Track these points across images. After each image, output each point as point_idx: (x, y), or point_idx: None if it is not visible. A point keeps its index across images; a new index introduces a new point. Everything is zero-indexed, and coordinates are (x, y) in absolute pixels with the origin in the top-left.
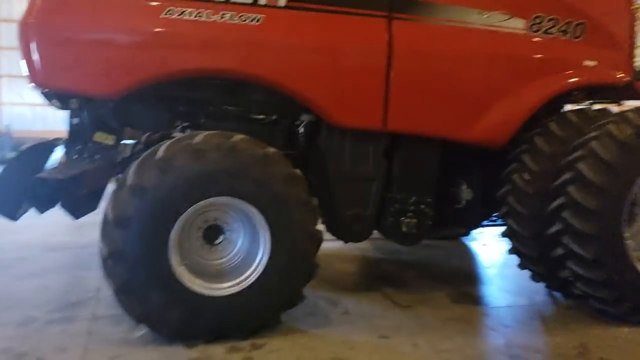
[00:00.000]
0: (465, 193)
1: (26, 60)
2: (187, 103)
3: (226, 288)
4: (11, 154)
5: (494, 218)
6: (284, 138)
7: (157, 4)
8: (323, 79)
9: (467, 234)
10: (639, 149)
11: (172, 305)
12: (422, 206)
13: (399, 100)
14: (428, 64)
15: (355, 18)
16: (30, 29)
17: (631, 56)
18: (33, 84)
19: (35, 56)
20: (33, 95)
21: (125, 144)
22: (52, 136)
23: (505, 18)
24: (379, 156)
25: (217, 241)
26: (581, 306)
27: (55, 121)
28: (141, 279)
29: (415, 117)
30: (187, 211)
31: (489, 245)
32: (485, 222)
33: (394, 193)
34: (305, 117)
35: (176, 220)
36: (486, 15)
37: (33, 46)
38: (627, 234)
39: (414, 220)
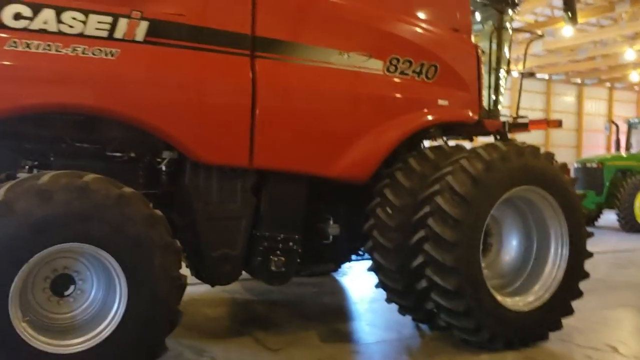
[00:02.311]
0: (333, 228)
1: None
2: (35, 140)
3: (77, 344)
4: None
5: (362, 252)
6: (144, 177)
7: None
8: (185, 116)
9: (336, 269)
10: (490, 183)
11: None
12: (290, 243)
13: (264, 137)
14: (291, 102)
15: (218, 55)
16: None
17: (479, 96)
18: None
19: None
20: None
21: None
22: None
23: (364, 59)
24: (247, 193)
25: (67, 292)
26: (446, 336)
27: None
28: None
29: (281, 154)
30: (30, 260)
31: (358, 280)
32: (353, 257)
33: (262, 231)
34: (167, 154)
35: (18, 270)
36: (346, 56)
37: None
38: (483, 264)
39: (283, 259)
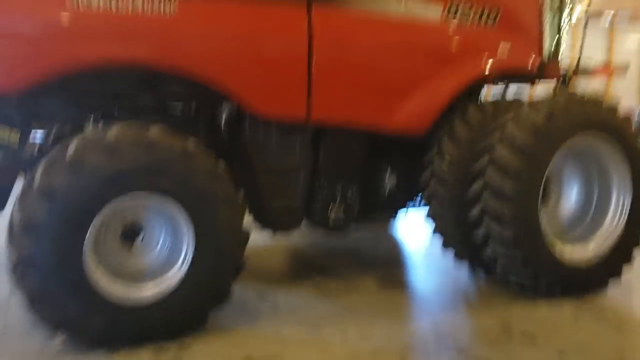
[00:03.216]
0: (390, 178)
1: None
2: (99, 96)
3: (149, 290)
4: None
5: (418, 200)
6: (205, 129)
7: None
8: (242, 69)
9: (393, 217)
10: (551, 132)
11: (91, 312)
12: (349, 193)
13: (320, 90)
14: (348, 54)
15: (273, 5)
16: None
17: (541, 40)
18: None
19: None
20: None
21: (32, 140)
22: None
23: (422, 6)
24: (305, 146)
25: (137, 241)
26: (503, 284)
27: None
28: (55, 286)
29: (337, 107)
30: (102, 212)
31: (414, 228)
32: (409, 205)
33: (320, 181)
34: (226, 108)
35: (91, 222)
36: (404, 3)
37: None
38: (542, 213)
39: (342, 207)
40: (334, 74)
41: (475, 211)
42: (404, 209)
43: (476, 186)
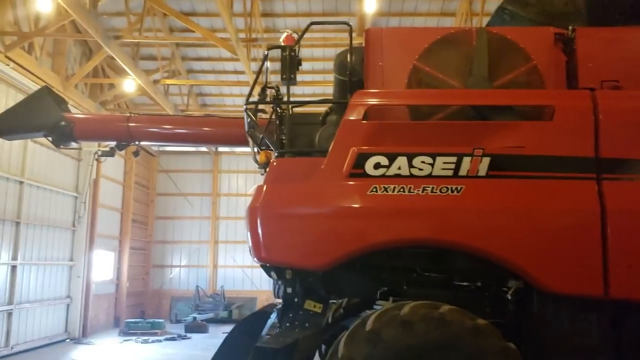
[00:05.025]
0: None
1: (251, 239)
2: (391, 271)
3: None
4: (224, 313)
5: None
6: (490, 306)
7: (363, 183)
8: (529, 244)
9: None
10: None
11: None
12: None
13: (619, 264)
14: None
15: (561, 181)
16: (256, 212)
17: None
18: (256, 258)
19: (259, 235)
20: (244, 258)
21: (330, 312)
22: (258, 296)
23: None
24: (604, 326)
25: None
26: None
27: (262, 282)
28: None
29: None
30: None
31: None
32: None
33: None
34: (513, 284)
35: None
36: None
37: (258, 227)
38: None
39: None
40: (633, 246)
41: None
42: None
43: None
